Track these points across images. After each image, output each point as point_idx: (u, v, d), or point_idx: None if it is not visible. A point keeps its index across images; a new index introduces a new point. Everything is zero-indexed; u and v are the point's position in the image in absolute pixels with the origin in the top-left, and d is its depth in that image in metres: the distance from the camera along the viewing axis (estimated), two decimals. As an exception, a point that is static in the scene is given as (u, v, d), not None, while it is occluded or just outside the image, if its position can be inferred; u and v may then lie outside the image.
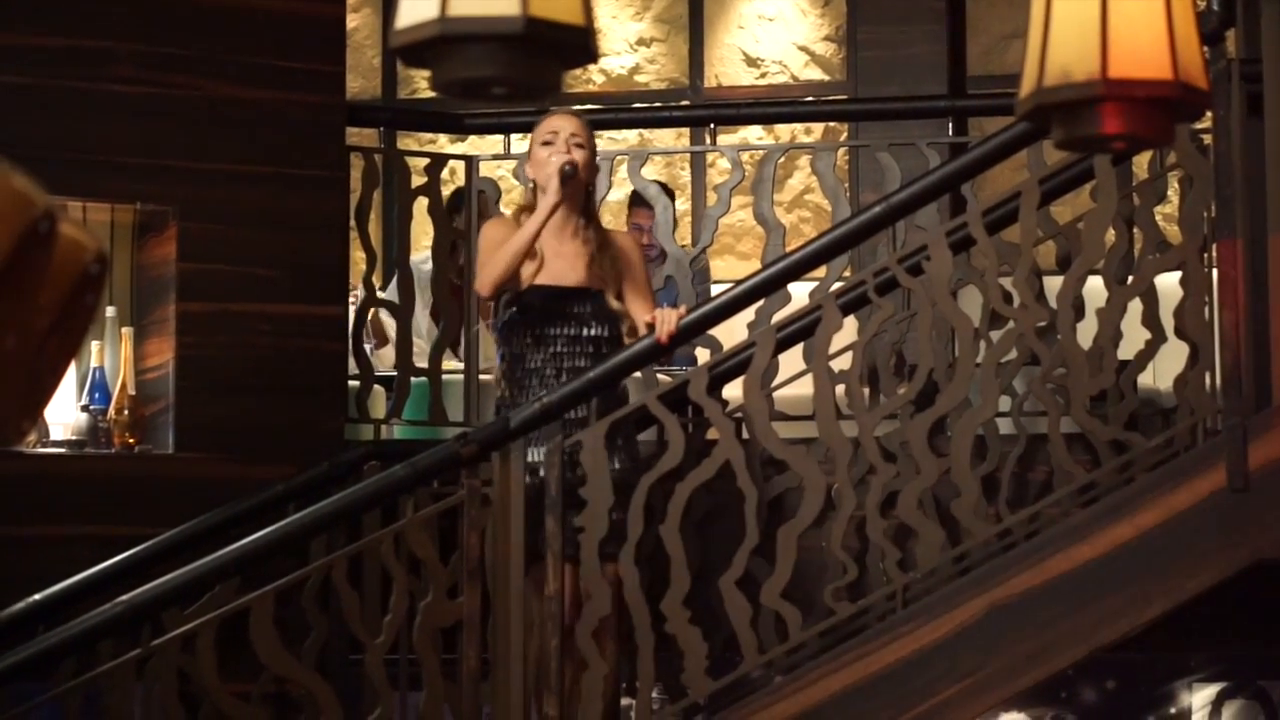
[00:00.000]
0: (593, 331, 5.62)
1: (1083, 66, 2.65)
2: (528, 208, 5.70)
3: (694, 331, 5.63)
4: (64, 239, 1.72)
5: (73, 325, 1.77)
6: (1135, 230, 5.70)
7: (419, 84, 10.35)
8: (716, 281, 8.50)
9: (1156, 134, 2.74)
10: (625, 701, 5.60)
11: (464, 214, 6.85)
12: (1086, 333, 5.42)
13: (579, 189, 5.68)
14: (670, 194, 6.99)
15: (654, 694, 5.44)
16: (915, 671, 5.23)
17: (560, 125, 5.67)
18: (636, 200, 6.93)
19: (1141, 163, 6.51)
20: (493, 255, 5.60)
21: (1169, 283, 5.48)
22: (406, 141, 9.73)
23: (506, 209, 6.33)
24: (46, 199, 1.70)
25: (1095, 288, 5.48)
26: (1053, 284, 5.60)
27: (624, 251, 5.71)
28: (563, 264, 5.65)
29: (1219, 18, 5.38)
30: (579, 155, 5.64)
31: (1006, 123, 5.47)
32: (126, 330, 6.22)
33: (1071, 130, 2.73)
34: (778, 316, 5.81)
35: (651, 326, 5.48)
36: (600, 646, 5.32)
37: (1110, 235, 5.51)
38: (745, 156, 6.81)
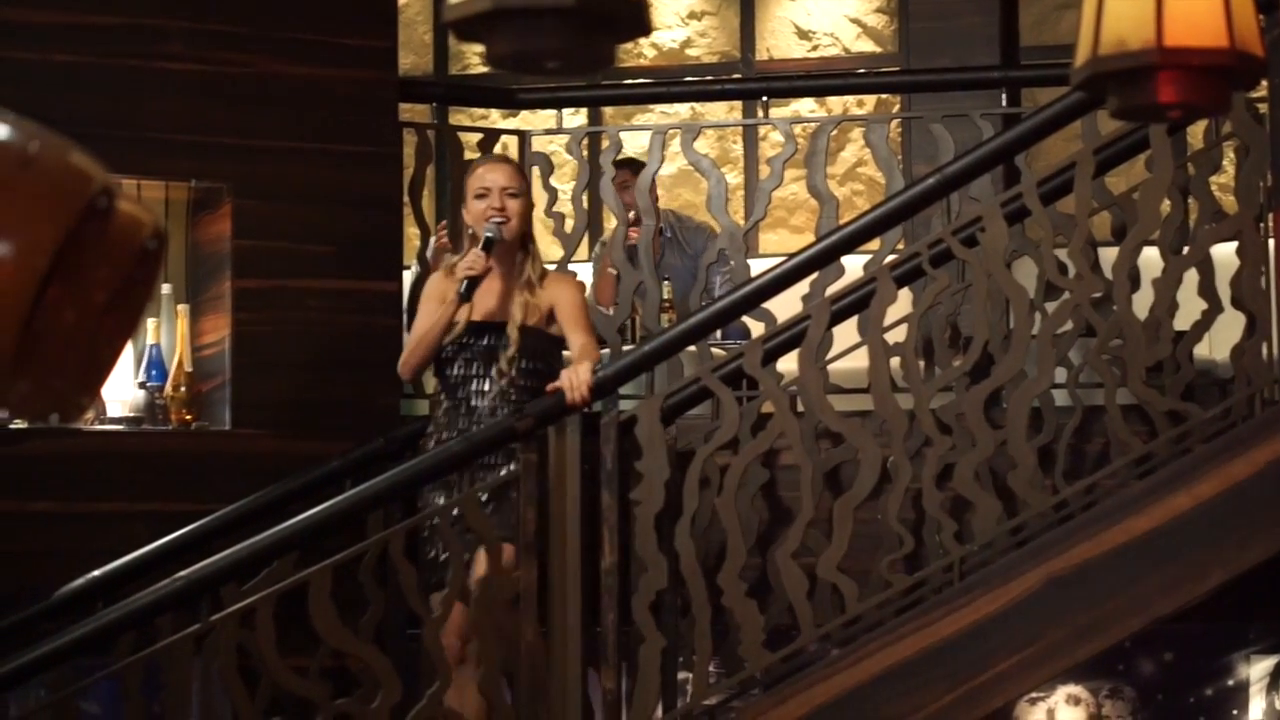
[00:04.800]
0: (514, 363, 5.64)
1: (1138, 35, 2.64)
2: (464, 263, 5.69)
3: (749, 305, 5.63)
4: (122, 214, 1.72)
5: (130, 301, 1.77)
6: (1190, 200, 5.67)
7: (471, 59, 10.36)
8: (768, 255, 8.48)
9: (1212, 102, 2.73)
10: (682, 675, 5.61)
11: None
12: (1142, 303, 5.39)
13: (518, 232, 5.70)
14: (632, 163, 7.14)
15: (710, 667, 5.45)
16: (972, 644, 5.22)
17: (492, 179, 5.72)
18: (621, 163, 6.92)
19: (1196, 132, 6.46)
20: (425, 312, 5.71)
21: (1225, 252, 5.45)
22: (459, 117, 9.67)
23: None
24: (105, 175, 1.71)
25: (1151, 258, 5.45)
26: (1108, 255, 5.58)
27: (559, 294, 5.70)
28: (490, 299, 5.67)
29: (1275, -16, 5.35)
30: (512, 206, 5.67)
31: (1060, 93, 5.44)
32: (182, 307, 6.24)
33: (1127, 99, 2.72)
34: (832, 289, 5.80)
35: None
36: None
37: (1165, 205, 5.48)
38: (798, 129, 6.79)
